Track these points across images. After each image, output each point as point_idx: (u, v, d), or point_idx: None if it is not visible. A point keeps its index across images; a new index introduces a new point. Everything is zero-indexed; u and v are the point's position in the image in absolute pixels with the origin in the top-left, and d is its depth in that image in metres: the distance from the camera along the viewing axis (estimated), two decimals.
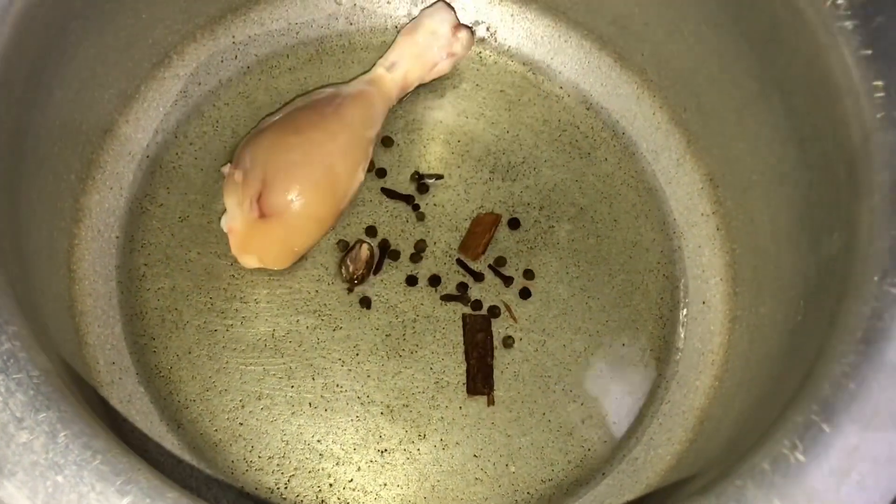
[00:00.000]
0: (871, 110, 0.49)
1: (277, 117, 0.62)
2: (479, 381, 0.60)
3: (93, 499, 0.38)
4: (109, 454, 0.39)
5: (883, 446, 0.41)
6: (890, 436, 0.42)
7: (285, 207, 0.59)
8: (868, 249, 0.46)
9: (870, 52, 0.49)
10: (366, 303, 0.61)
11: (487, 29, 0.69)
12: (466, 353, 0.60)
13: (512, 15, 0.69)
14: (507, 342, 0.61)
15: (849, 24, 0.50)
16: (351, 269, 0.61)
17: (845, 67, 0.50)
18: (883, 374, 0.43)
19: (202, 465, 0.57)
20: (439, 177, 0.65)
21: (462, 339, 0.61)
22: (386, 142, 0.65)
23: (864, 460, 0.41)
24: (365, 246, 0.61)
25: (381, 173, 0.65)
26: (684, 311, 0.63)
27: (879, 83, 0.49)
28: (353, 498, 0.57)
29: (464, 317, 0.61)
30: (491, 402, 0.59)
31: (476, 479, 0.58)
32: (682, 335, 0.62)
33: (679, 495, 0.49)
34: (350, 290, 0.61)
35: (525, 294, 0.62)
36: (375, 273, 0.62)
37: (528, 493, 0.58)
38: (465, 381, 0.60)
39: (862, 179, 0.48)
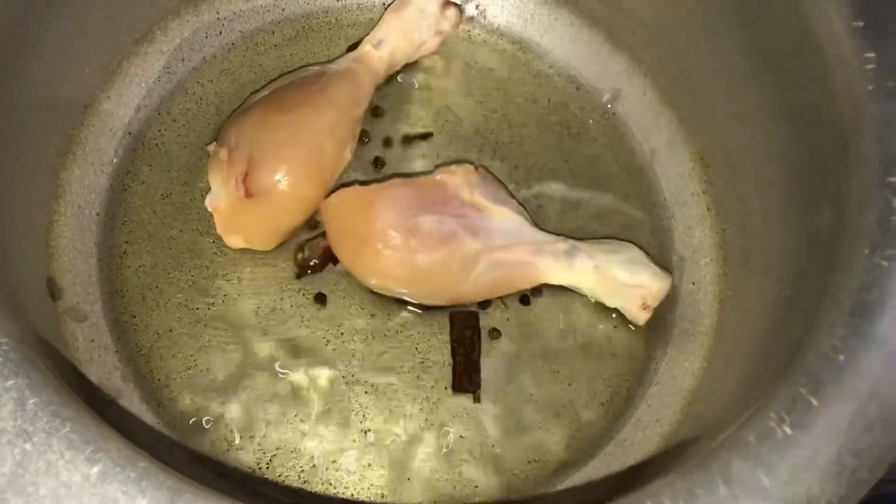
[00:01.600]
0: (863, 82, 0.48)
1: (263, 95, 0.61)
2: (465, 378, 0.59)
3: (62, 467, 0.37)
4: (79, 422, 0.38)
5: (872, 420, 0.41)
6: (879, 409, 0.41)
7: (272, 187, 0.58)
8: (858, 223, 0.46)
9: (861, 23, 0.49)
10: (321, 299, 0.60)
11: (477, 7, 0.68)
12: (453, 349, 0.59)
13: None
14: (493, 334, 0.60)
15: None
16: (306, 254, 0.60)
17: (836, 39, 0.49)
18: (872, 348, 0.42)
19: (182, 443, 0.56)
20: (428, 135, 0.64)
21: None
22: (376, 111, 0.65)
23: (853, 434, 0.40)
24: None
25: (379, 162, 0.64)
26: (674, 293, 0.62)
27: (871, 55, 0.48)
28: (336, 478, 0.56)
29: (451, 314, 0.60)
30: (477, 400, 0.58)
31: (462, 460, 0.57)
32: (672, 317, 0.62)
33: (665, 471, 0.48)
34: (298, 277, 0.60)
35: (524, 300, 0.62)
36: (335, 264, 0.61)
37: (514, 474, 0.57)
38: (450, 360, 0.59)
39: (852, 153, 0.48)
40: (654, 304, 0.59)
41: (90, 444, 0.38)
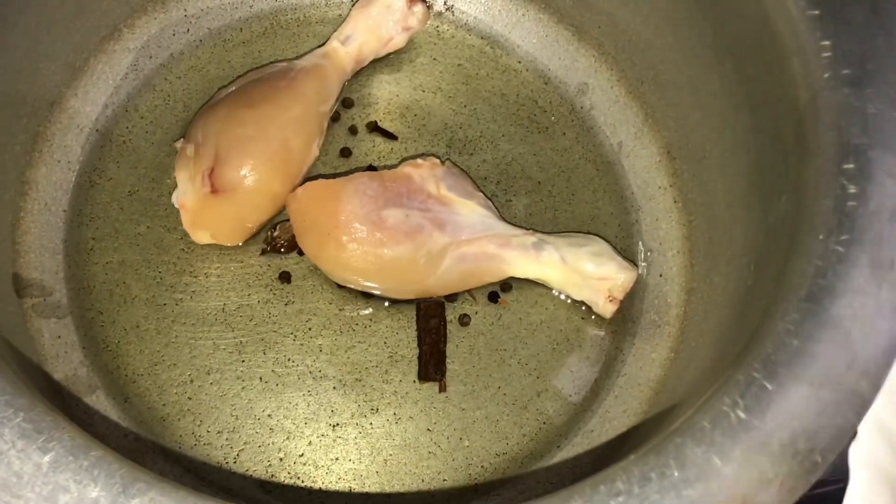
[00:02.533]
0: (819, 70, 0.48)
1: (230, 90, 0.61)
2: (431, 367, 0.59)
3: (13, 456, 0.37)
4: (32, 412, 0.38)
5: (826, 403, 0.41)
6: (833, 393, 0.41)
7: (238, 183, 0.58)
8: (814, 209, 0.46)
9: (817, 12, 0.49)
10: (285, 277, 0.60)
11: (445, 3, 0.68)
12: (419, 339, 0.60)
13: None
14: (464, 319, 0.60)
15: None
16: (276, 233, 0.60)
17: (794, 28, 0.50)
18: (826, 331, 0.42)
19: (149, 439, 0.56)
20: (393, 137, 0.64)
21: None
22: (346, 102, 0.65)
23: (807, 417, 0.40)
24: None
25: (346, 153, 0.64)
26: (641, 285, 0.62)
27: (827, 43, 0.48)
28: (304, 472, 0.56)
29: (417, 304, 0.60)
30: (442, 389, 0.58)
31: (429, 453, 0.57)
32: (639, 308, 0.62)
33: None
34: (262, 252, 0.60)
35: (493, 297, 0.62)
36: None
37: (482, 466, 0.57)
38: (418, 354, 0.59)
39: (809, 140, 0.48)
40: (620, 296, 0.59)
41: (43, 434, 0.38)
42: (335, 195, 0.57)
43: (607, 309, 0.59)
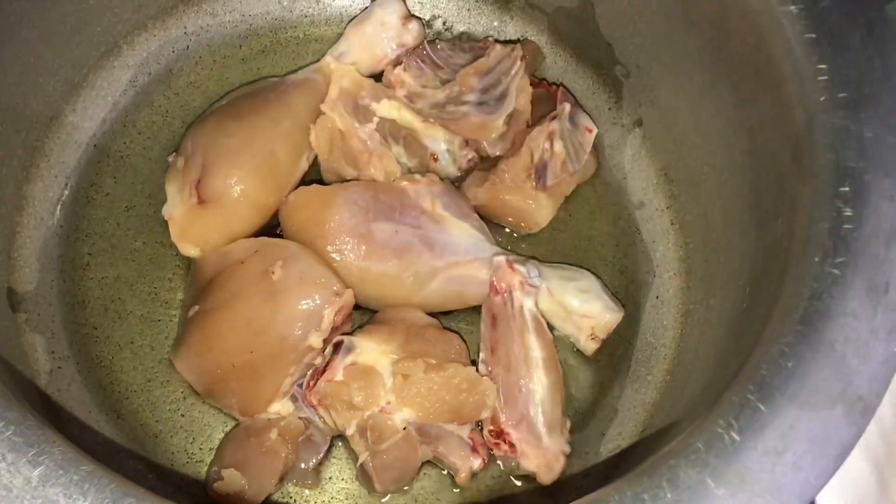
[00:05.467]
0: (815, 94, 0.48)
1: (222, 104, 0.61)
2: None
3: (3, 469, 0.37)
4: (23, 425, 0.38)
5: (819, 426, 0.41)
6: (827, 415, 0.41)
7: (223, 193, 0.57)
8: (810, 231, 0.46)
9: (814, 35, 0.49)
10: None
11: (444, 23, 0.69)
12: None
13: (468, 10, 0.68)
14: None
15: (793, 8, 0.50)
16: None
17: (790, 51, 0.50)
18: (820, 354, 0.42)
19: (141, 455, 0.55)
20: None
21: None
22: None
23: (801, 440, 0.40)
24: None
25: None
26: (638, 307, 0.62)
27: (823, 66, 0.49)
28: (296, 491, 0.56)
29: None
30: None
31: (424, 473, 0.57)
32: (636, 331, 0.62)
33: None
34: None
35: None
36: None
37: (477, 489, 0.57)
38: None
39: (805, 162, 0.48)
40: (602, 335, 0.59)
41: (33, 447, 0.37)
42: (325, 203, 0.57)
43: (589, 347, 0.59)
